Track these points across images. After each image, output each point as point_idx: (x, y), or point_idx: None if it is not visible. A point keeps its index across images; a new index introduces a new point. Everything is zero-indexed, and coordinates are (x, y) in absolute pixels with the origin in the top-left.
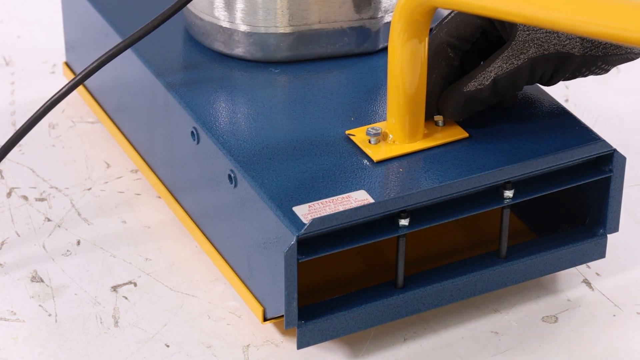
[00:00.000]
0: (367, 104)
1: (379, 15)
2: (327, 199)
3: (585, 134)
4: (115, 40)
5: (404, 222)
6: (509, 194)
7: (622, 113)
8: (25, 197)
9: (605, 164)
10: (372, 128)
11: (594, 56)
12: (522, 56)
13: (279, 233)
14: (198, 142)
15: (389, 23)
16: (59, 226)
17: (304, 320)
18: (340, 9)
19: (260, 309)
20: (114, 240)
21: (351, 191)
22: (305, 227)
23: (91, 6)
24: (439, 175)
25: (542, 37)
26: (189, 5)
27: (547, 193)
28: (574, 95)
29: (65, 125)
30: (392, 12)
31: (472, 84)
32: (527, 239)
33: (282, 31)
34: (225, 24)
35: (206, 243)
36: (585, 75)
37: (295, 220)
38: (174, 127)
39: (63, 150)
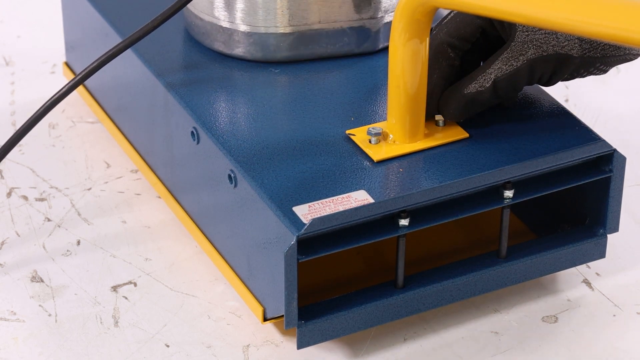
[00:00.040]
0: (367, 104)
1: (379, 15)
2: (327, 199)
3: (585, 134)
4: (115, 40)
5: (404, 222)
6: (509, 194)
7: (622, 113)
8: (25, 197)
9: (605, 164)
10: (373, 128)
11: (593, 57)
12: (521, 57)
13: (279, 233)
14: (198, 142)
15: (389, 23)
16: (59, 226)
17: (304, 320)
18: (340, 9)
19: (260, 309)
20: (114, 240)
21: (351, 191)
22: (305, 227)
23: (91, 6)
24: (439, 175)
25: (541, 38)
26: (189, 5)
27: (547, 193)
28: (574, 95)
29: (65, 125)
30: (392, 12)
31: (473, 85)
32: (527, 239)
33: (282, 31)
34: (225, 24)
35: (206, 243)
36: (584, 76)
37: (295, 220)
38: (174, 127)
39: (63, 150)
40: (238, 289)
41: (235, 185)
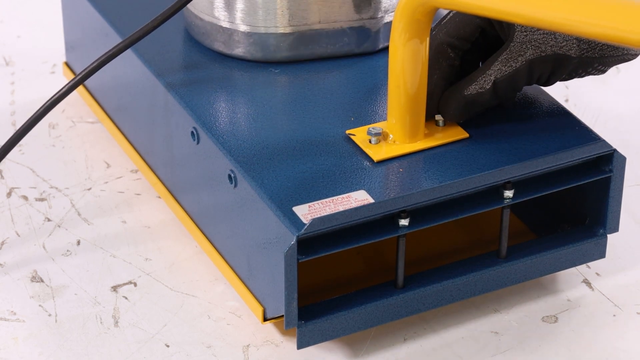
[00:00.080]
0: (367, 104)
1: (379, 15)
2: (327, 199)
3: (585, 134)
4: (115, 40)
5: (404, 222)
6: (509, 194)
7: (622, 113)
8: (25, 197)
9: (605, 164)
10: (373, 128)
11: (591, 57)
12: (520, 58)
13: (279, 233)
14: (198, 142)
15: (389, 23)
16: (59, 226)
17: (304, 320)
18: (340, 9)
19: (260, 309)
20: (114, 240)
21: (351, 191)
22: (305, 227)
23: (91, 6)
24: (439, 175)
25: (539, 39)
26: (189, 5)
27: (547, 193)
28: (574, 95)
29: (65, 125)
30: (392, 12)
31: (473, 87)
32: (527, 239)
33: (282, 31)
34: (225, 24)
35: (206, 243)
36: (582, 76)
37: (295, 220)
38: (174, 127)
39: (63, 150)
40: (238, 289)
41: (235, 185)
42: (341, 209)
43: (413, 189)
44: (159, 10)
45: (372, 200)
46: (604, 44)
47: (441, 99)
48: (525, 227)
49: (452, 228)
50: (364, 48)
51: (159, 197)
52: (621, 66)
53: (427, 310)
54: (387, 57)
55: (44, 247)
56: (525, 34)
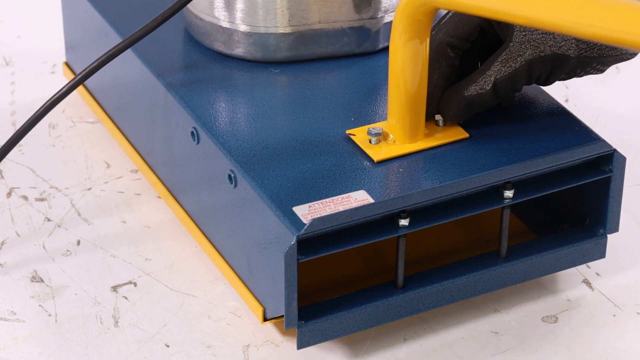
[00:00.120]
0: (367, 104)
1: (379, 15)
2: (327, 199)
3: (585, 134)
4: (115, 40)
5: (404, 222)
6: (509, 194)
7: (622, 113)
8: (25, 197)
9: (605, 164)
10: (373, 128)
11: (589, 57)
12: (519, 58)
13: (279, 233)
14: (198, 142)
15: (389, 23)
16: (59, 226)
17: (304, 321)
18: (340, 9)
19: (260, 309)
20: (114, 240)
21: (351, 191)
22: (305, 227)
23: (91, 6)
24: (439, 175)
25: (538, 39)
26: (189, 5)
27: (547, 193)
28: (574, 95)
29: (65, 125)
30: (392, 12)
31: (473, 87)
32: (527, 239)
33: (282, 31)
34: (225, 24)
35: (206, 243)
36: (581, 76)
37: (295, 221)
38: (174, 127)
39: (63, 150)
40: (238, 289)
41: (235, 185)
42: (341, 209)
43: (413, 189)
44: (159, 10)
45: (372, 200)
46: (602, 44)
47: (441, 99)
48: (525, 227)
49: (452, 228)
50: (364, 48)
51: (159, 197)
52: (621, 66)
53: (427, 310)
54: (387, 57)
55: (44, 247)
56: (524, 34)
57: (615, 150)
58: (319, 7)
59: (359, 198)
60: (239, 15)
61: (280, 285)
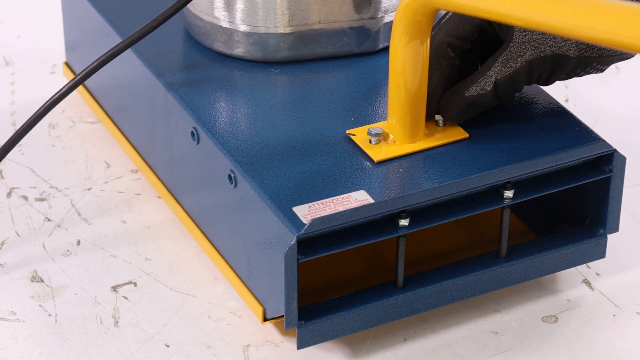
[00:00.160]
0: (367, 104)
1: (379, 15)
2: (327, 199)
3: (585, 134)
4: (115, 40)
5: (404, 222)
6: (509, 194)
7: (622, 113)
8: (25, 197)
9: (605, 164)
10: (373, 128)
11: (589, 57)
12: (519, 59)
13: (279, 233)
14: (198, 142)
15: (389, 23)
16: (59, 226)
17: (304, 321)
18: (340, 9)
19: (260, 309)
20: (114, 240)
21: (351, 191)
22: (305, 227)
23: (91, 6)
24: (439, 175)
25: (538, 39)
26: (189, 5)
27: (547, 193)
28: (574, 95)
29: (65, 125)
30: (392, 12)
31: (474, 88)
32: (527, 239)
33: (282, 31)
34: (225, 24)
35: (206, 243)
36: (581, 75)
37: (295, 221)
38: (174, 127)
39: (63, 150)
40: (238, 289)
41: (235, 186)
42: (341, 209)
43: (413, 189)
44: (159, 10)
45: (372, 201)
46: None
47: (442, 99)
48: (525, 227)
49: (452, 228)
50: (364, 48)
51: (159, 197)
52: (621, 66)
53: (427, 310)
54: (387, 57)
55: (44, 247)
56: (524, 34)
57: (615, 150)
58: (319, 7)
59: (359, 198)
60: (239, 15)
61: (280, 285)
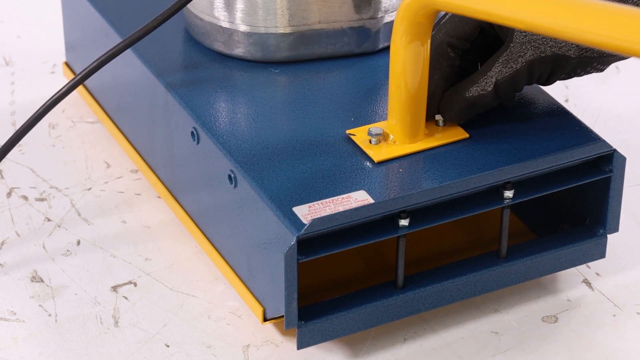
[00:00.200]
0: (367, 104)
1: (379, 16)
2: (327, 199)
3: (585, 134)
4: (115, 40)
5: (404, 222)
6: (509, 194)
7: (622, 113)
8: (25, 197)
9: (605, 164)
10: (373, 128)
11: (590, 57)
12: (520, 59)
13: (279, 233)
14: (198, 142)
15: (389, 23)
16: (59, 226)
17: (304, 321)
18: (340, 9)
19: (260, 309)
20: (114, 240)
21: (351, 191)
22: (305, 227)
23: (91, 6)
24: (439, 175)
25: (538, 39)
26: (189, 5)
27: (547, 193)
28: (574, 95)
29: (65, 125)
30: (392, 12)
31: (475, 89)
32: (527, 239)
33: (282, 31)
34: (225, 24)
35: (206, 243)
36: (581, 75)
37: (295, 221)
38: (174, 127)
39: (63, 150)
40: (238, 289)
41: (235, 186)
42: (341, 209)
43: (413, 189)
44: (159, 10)
45: (372, 201)
46: None
47: (442, 100)
48: (525, 227)
49: (452, 228)
50: (364, 48)
51: (159, 197)
52: (621, 66)
53: (427, 310)
54: (387, 57)
55: (44, 247)
56: (524, 34)
57: (615, 150)
58: (319, 7)
59: (359, 198)
60: (239, 15)
61: (280, 285)
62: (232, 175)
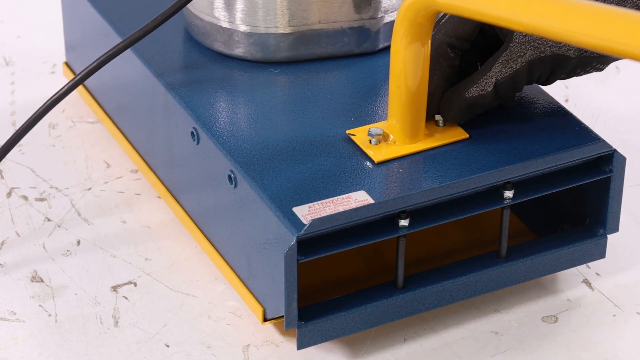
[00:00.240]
0: (367, 104)
1: (379, 16)
2: (327, 200)
3: (585, 134)
4: (115, 40)
5: (404, 222)
6: (509, 194)
7: (622, 113)
8: (25, 197)
9: (605, 164)
10: (373, 128)
11: (589, 57)
12: (519, 59)
13: (279, 233)
14: (198, 143)
15: (389, 23)
16: (59, 226)
17: (304, 321)
18: (340, 9)
19: (260, 309)
20: (114, 240)
21: (351, 192)
22: (305, 227)
23: (91, 6)
24: (439, 175)
25: (538, 40)
26: (189, 5)
27: (547, 193)
28: (574, 95)
29: (65, 125)
30: (392, 12)
31: (475, 89)
32: (527, 239)
33: (282, 31)
34: (225, 24)
35: (206, 243)
36: (581, 75)
37: (295, 221)
38: (174, 127)
39: (63, 150)
40: (238, 289)
41: (235, 186)
42: (341, 209)
43: (413, 190)
44: (159, 10)
45: (372, 201)
46: None
47: (442, 100)
48: (525, 227)
49: (452, 228)
50: (364, 48)
51: (159, 197)
52: (621, 66)
53: (427, 310)
54: (387, 57)
55: (44, 247)
56: (524, 35)
57: (615, 150)
58: (319, 7)
59: (359, 198)
60: (239, 15)
61: (280, 285)
62: (232, 176)
